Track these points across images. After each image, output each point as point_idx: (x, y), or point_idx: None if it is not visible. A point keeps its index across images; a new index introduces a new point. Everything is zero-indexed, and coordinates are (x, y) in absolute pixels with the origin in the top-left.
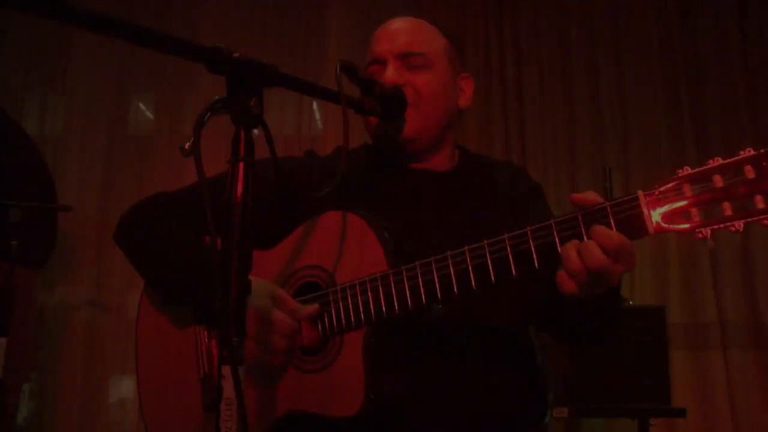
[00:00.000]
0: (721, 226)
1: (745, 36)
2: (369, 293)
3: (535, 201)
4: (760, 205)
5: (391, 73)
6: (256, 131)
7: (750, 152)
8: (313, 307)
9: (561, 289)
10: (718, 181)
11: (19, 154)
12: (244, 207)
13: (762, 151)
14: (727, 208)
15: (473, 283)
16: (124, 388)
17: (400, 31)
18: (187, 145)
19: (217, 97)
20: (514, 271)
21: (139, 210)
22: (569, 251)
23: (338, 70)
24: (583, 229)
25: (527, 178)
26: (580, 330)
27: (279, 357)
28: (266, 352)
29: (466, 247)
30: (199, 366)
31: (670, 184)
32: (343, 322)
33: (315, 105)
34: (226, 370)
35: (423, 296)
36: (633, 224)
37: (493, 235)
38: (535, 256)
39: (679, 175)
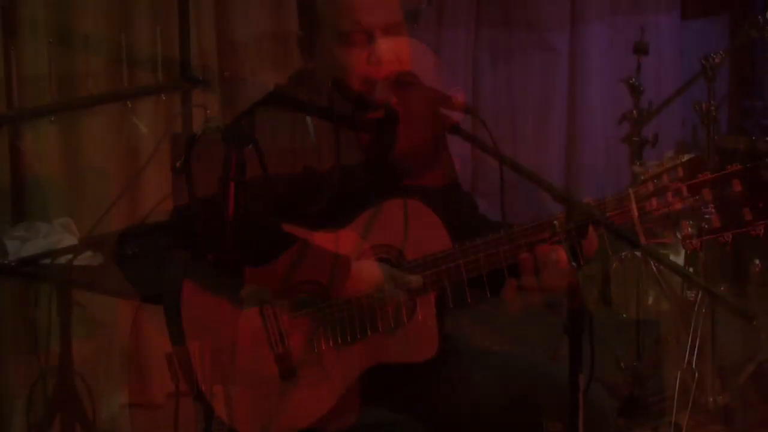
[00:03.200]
0: (711, 237)
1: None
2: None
3: None
4: (748, 217)
5: (380, 91)
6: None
7: (737, 167)
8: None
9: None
10: (707, 194)
11: None
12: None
13: (748, 165)
14: (716, 220)
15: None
16: (116, 401)
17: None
18: (178, 164)
19: (208, 110)
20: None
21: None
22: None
23: (330, 86)
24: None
25: None
26: None
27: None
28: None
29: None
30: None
31: (662, 198)
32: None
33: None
34: None
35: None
36: (625, 236)
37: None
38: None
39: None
